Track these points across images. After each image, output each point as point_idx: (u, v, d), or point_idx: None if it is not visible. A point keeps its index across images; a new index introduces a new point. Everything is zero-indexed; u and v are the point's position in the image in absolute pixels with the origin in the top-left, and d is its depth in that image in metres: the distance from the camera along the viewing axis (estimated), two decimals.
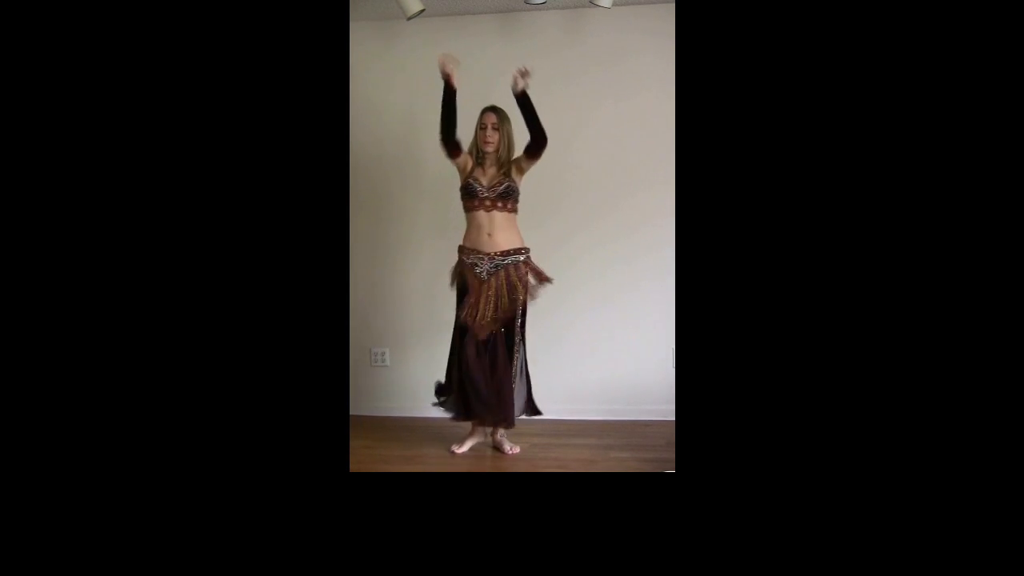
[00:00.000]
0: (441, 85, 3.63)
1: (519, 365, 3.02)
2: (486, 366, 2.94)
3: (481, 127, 2.98)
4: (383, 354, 3.80)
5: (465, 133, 3.06)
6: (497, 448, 3.10)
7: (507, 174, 2.97)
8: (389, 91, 3.73)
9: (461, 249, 3.05)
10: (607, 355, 3.63)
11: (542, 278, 3.04)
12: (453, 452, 3.07)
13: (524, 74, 2.87)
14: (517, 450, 3.06)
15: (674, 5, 2.98)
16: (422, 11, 3.23)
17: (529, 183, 3.48)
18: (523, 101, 2.89)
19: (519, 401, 3.04)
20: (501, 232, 2.98)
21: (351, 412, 3.60)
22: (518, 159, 3.00)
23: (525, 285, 3.01)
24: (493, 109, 2.99)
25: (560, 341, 3.65)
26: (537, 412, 3.11)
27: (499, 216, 2.97)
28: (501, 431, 3.09)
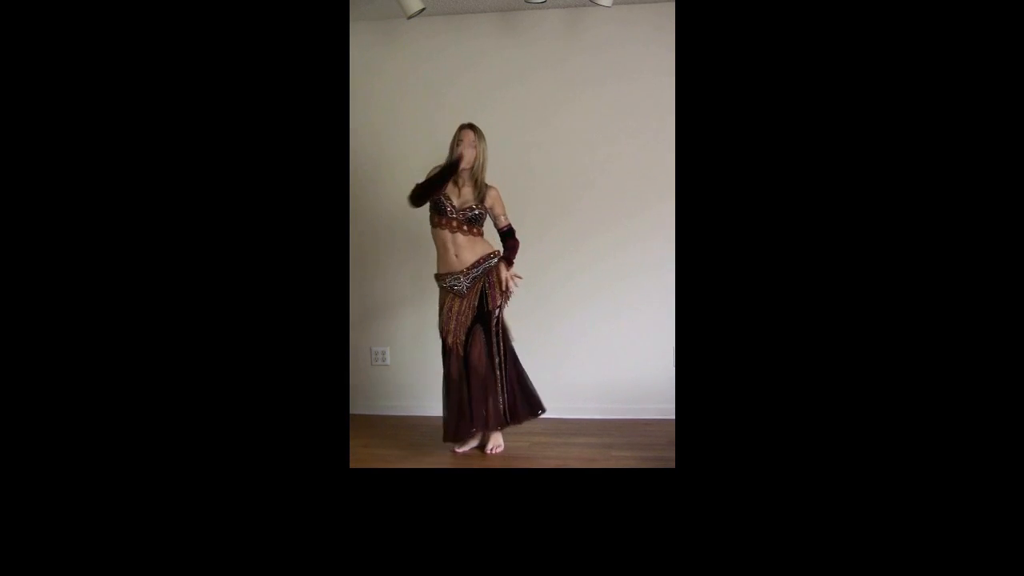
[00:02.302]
0: (441, 85, 3.65)
1: (508, 365, 3.04)
2: (469, 381, 2.98)
3: (457, 143, 2.98)
4: (383, 353, 3.81)
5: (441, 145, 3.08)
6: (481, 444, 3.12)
7: (481, 199, 2.98)
8: (389, 90, 3.74)
9: (438, 277, 3.08)
10: (608, 354, 3.63)
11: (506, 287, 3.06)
12: (455, 452, 3.07)
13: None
14: (499, 449, 3.08)
15: (674, 4, 3.00)
16: (422, 10, 3.23)
17: (534, 188, 3.50)
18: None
19: (513, 400, 3.06)
20: (467, 250, 3.00)
21: (352, 411, 3.63)
22: (491, 207, 3.02)
23: (500, 284, 3.03)
24: (471, 127, 2.99)
25: (561, 341, 3.66)
26: (539, 410, 3.12)
27: (462, 238, 2.99)
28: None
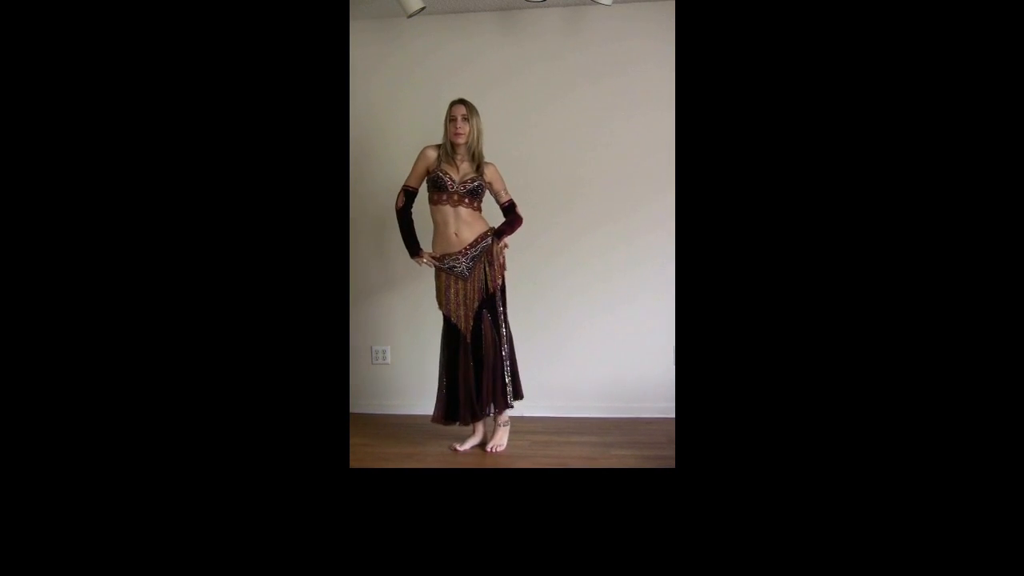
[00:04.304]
0: (441, 84, 3.65)
1: (510, 348, 3.07)
2: (480, 364, 3.00)
3: (451, 119, 2.99)
4: (384, 352, 3.81)
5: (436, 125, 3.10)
6: (484, 438, 3.13)
7: (479, 171, 3.00)
8: (389, 89, 3.73)
9: (431, 260, 3.06)
10: (608, 353, 3.63)
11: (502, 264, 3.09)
12: (455, 450, 3.07)
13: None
14: (499, 450, 3.08)
15: (674, 2, 2.99)
16: (422, 9, 3.23)
17: (533, 185, 3.50)
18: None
19: (515, 384, 3.10)
20: (467, 228, 3.01)
21: (352, 410, 3.63)
22: (491, 183, 3.04)
23: (499, 262, 3.05)
24: (462, 101, 3.00)
25: (562, 339, 3.66)
26: (518, 396, 3.13)
27: (464, 212, 3.00)
28: (502, 420, 3.11)
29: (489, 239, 3.04)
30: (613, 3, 3.29)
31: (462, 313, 3.01)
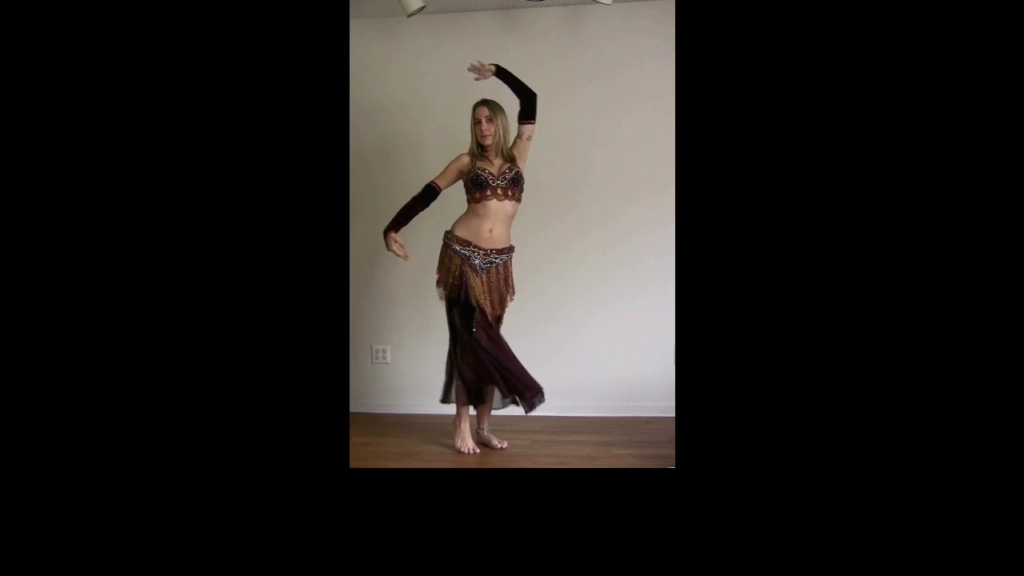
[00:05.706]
0: (441, 83, 3.64)
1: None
2: (502, 346, 3.00)
3: (476, 122, 2.99)
4: (384, 351, 3.81)
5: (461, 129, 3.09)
6: (485, 444, 3.11)
7: (512, 161, 3.00)
8: (388, 88, 3.73)
9: (452, 238, 3.00)
10: (608, 352, 3.63)
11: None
12: (473, 452, 3.02)
13: (478, 69, 2.99)
14: (505, 445, 3.08)
15: (674, 1, 2.99)
16: (422, 8, 3.22)
17: (532, 183, 3.49)
18: (501, 75, 2.99)
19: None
20: (502, 227, 2.99)
21: (352, 409, 3.62)
22: (517, 140, 3.02)
23: (511, 284, 3.07)
24: (484, 102, 3.00)
25: (561, 338, 3.66)
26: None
27: (508, 207, 2.98)
28: (486, 426, 3.13)
29: (509, 256, 3.04)
30: (613, 2, 3.28)
31: (487, 299, 2.98)
